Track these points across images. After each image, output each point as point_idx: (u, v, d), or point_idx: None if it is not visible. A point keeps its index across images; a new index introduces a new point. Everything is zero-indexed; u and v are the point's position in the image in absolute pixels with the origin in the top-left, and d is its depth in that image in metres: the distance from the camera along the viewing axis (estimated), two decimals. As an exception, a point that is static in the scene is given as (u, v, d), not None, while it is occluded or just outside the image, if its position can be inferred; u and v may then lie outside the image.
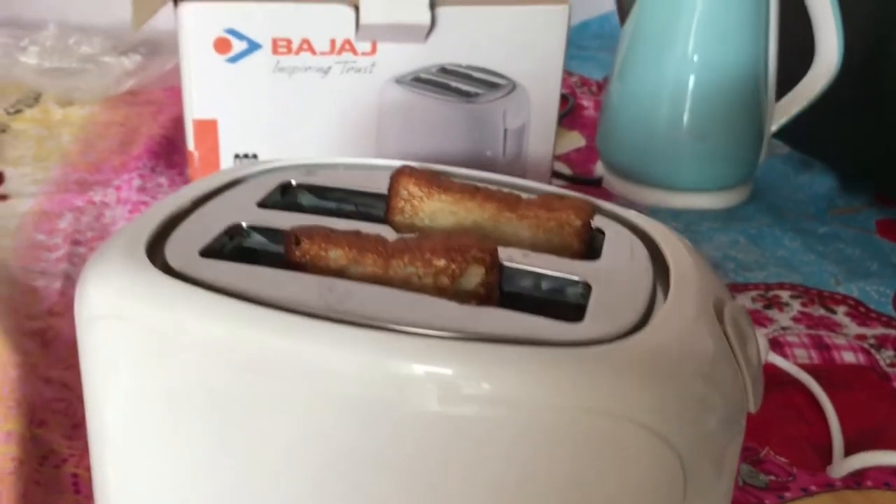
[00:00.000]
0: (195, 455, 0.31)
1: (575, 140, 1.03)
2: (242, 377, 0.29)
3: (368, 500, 0.29)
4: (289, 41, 0.67)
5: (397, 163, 0.41)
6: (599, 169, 0.92)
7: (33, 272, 0.70)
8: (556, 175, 0.88)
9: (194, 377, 0.30)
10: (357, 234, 0.33)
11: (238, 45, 0.67)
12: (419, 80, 0.71)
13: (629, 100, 0.84)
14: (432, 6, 0.68)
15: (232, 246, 0.35)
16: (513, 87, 0.72)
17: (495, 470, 0.27)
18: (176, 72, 1.14)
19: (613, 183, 0.88)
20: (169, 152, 0.92)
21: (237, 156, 0.70)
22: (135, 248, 0.32)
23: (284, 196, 0.39)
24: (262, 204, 0.37)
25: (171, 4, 0.67)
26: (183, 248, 0.33)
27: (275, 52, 0.67)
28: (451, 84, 0.72)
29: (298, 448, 0.29)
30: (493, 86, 0.72)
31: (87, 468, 0.48)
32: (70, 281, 0.68)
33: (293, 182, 0.39)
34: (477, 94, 0.72)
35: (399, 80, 0.70)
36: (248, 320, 0.29)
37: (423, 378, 0.27)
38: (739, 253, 0.76)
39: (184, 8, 0.65)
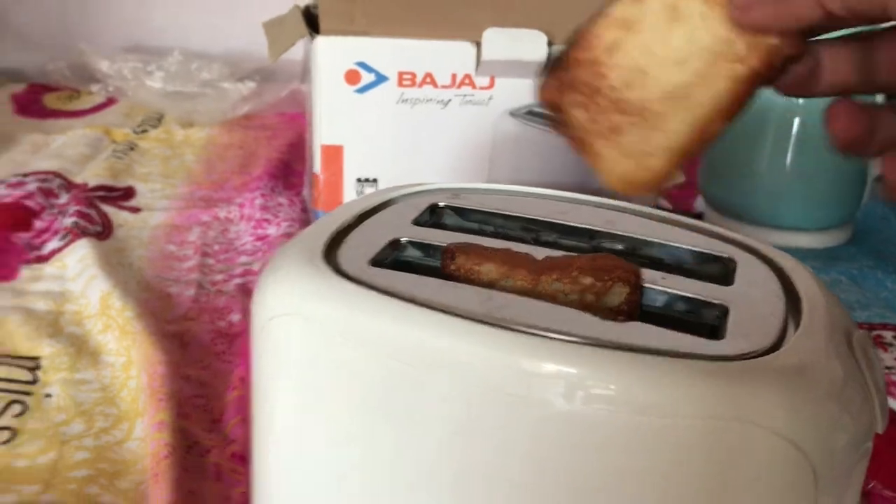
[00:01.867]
0: (357, 444, 0.34)
1: (676, 176, 1.05)
2: (408, 372, 0.32)
3: (512, 491, 0.32)
4: (413, 74, 0.72)
5: (533, 189, 0.45)
6: (700, 205, 0.93)
7: (167, 280, 0.75)
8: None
9: (365, 372, 0.33)
10: (508, 251, 0.37)
11: (367, 77, 0.72)
12: (532, 114, 0.75)
13: (732, 137, 0.86)
14: (549, 44, 0.71)
15: (392, 258, 0.38)
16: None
17: (644, 474, 0.30)
18: (289, 99, 1.21)
19: (714, 219, 0.90)
20: (286, 174, 0.97)
21: (359, 180, 0.75)
22: (313, 255, 0.36)
23: (433, 216, 0.43)
24: (416, 222, 0.41)
25: (306, 37, 0.72)
26: (353, 257, 0.37)
27: (400, 84, 0.72)
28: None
29: (453, 440, 0.32)
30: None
31: (228, 458, 0.53)
32: (202, 289, 0.73)
33: (440, 203, 0.43)
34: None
35: (513, 113, 0.74)
36: (418, 321, 0.32)
37: (579, 382, 0.30)
38: (842, 293, 0.77)
39: (320, 41, 0.71)
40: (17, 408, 0.57)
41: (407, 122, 0.73)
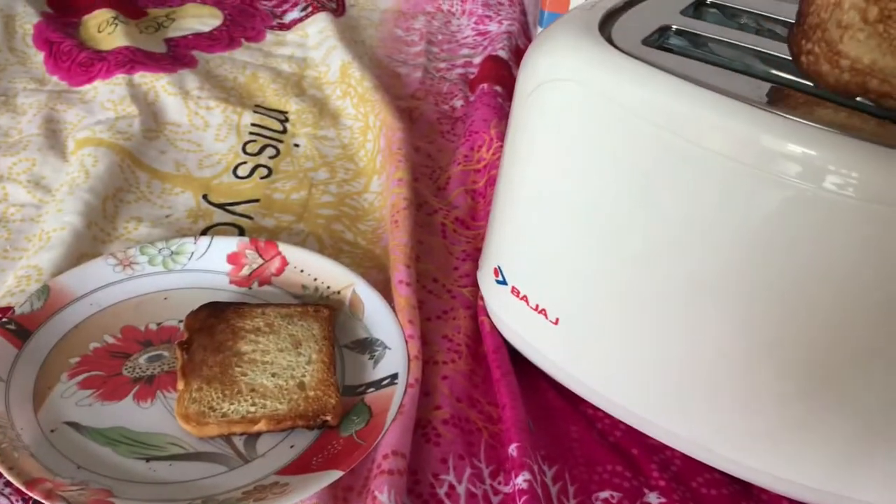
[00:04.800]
0: (608, 204, 0.38)
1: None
2: (675, 144, 0.35)
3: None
4: None
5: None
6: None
7: (396, 60, 0.80)
8: None
9: (634, 140, 0.36)
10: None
11: None
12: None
13: None
14: None
15: (661, 41, 0.41)
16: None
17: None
18: None
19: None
20: (507, -26, 0.98)
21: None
22: (589, 29, 0.39)
23: (696, 10, 0.44)
24: (683, 12, 0.42)
25: None
26: (625, 35, 0.39)
27: None
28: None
29: (700, 213, 0.36)
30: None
31: (452, 221, 0.59)
32: (427, 73, 0.78)
33: (707, -1, 0.44)
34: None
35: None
36: (693, 96, 0.35)
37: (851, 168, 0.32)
38: None
39: None
40: (271, 150, 0.65)
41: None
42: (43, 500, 0.36)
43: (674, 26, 0.41)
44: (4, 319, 0.45)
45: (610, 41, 0.39)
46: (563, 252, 0.41)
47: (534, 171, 0.42)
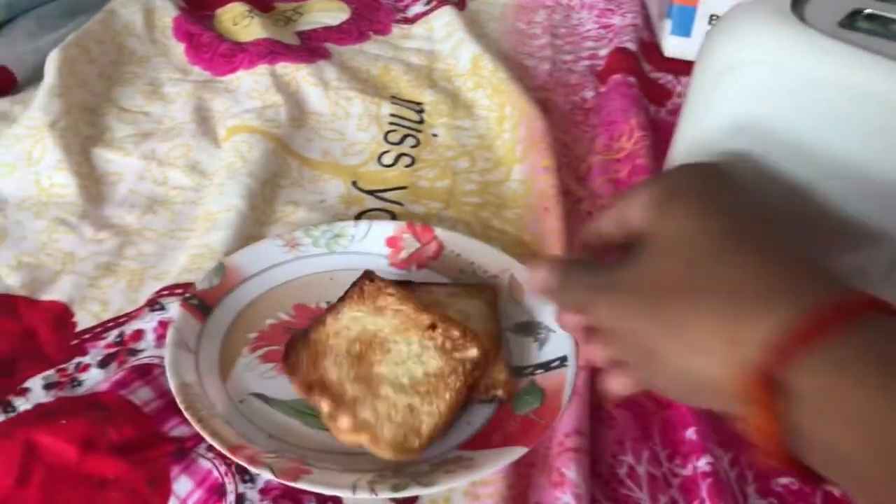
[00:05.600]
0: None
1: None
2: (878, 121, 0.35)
3: None
4: None
5: None
6: None
7: (521, 53, 0.81)
8: None
9: (837, 127, 0.36)
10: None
11: None
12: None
13: None
14: None
15: (854, 24, 0.40)
16: None
17: None
18: None
19: None
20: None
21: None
22: (781, 11, 0.39)
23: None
24: (873, -3, 0.42)
25: None
26: (819, 18, 0.39)
27: None
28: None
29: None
30: None
31: (599, 209, 0.59)
32: (555, 65, 0.78)
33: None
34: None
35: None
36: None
37: None
38: None
39: None
40: (411, 140, 0.66)
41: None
42: (247, 465, 0.38)
43: (866, 10, 0.40)
44: (188, 295, 0.47)
45: (804, 22, 0.39)
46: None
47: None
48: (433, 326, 0.42)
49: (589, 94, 0.73)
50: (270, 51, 0.73)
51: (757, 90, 0.39)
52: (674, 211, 0.32)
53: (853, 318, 0.26)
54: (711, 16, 0.76)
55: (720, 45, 0.41)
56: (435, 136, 0.67)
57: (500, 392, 0.43)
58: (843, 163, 0.36)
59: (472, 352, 0.41)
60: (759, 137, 0.39)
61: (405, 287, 0.48)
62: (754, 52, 0.39)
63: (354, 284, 0.45)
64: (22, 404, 0.43)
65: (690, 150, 0.44)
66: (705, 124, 0.42)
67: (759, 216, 0.31)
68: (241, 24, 0.79)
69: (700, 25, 0.76)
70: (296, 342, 0.43)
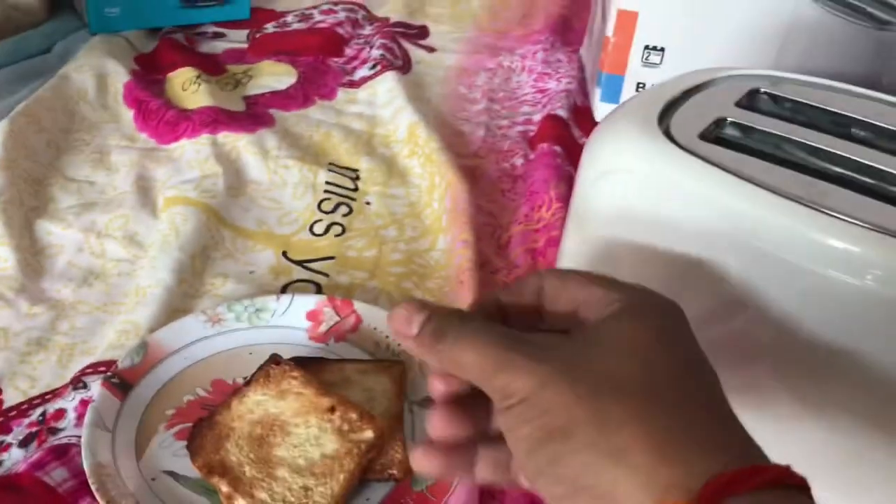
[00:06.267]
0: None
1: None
2: (734, 236, 0.38)
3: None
4: (722, -51, 0.73)
5: (851, 87, 0.48)
6: None
7: (459, 119, 0.84)
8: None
9: (692, 233, 0.39)
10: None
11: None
12: (836, 0, 0.74)
13: None
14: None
15: (716, 135, 0.44)
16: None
17: None
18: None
19: None
20: (565, 30, 1.02)
21: (647, 47, 0.78)
22: (648, 122, 0.43)
23: (751, 99, 0.47)
24: (738, 104, 0.45)
25: None
26: (682, 129, 0.43)
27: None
28: (867, 8, 0.74)
29: (752, 304, 0.38)
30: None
31: (513, 280, 0.62)
32: (489, 131, 0.82)
33: (761, 89, 0.47)
34: (890, 23, 0.74)
35: (817, -1, 0.74)
36: (747, 196, 0.38)
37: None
38: None
39: None
40: (344, 208, 0.70)
41: (706, -5, 0.75)
42: (149, 546, 0.40)
43: (728, 118, 0.44)
44: (109, 374, 0.50)
45: (668, 134, 0.42)
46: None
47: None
48: (332, 409, 0.45)
49: (519, 161, 0.77)
50: (214, 119, 0.76)
51: (625, 196, 0.42)
52: (638, 323, 0.31)
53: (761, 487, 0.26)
54: (638, 84, 0.80)
55: (597, 150, 0.44)
56: (368, 203, 0.70)
57: (394, 471, 0.46)
58: (697, 274, 0.40)
59: (368, 434, 0.45)
60: (631, 237, 0.42)
61: (315, 364, 0.51)
62: (620, 161, 0.42)
63: (261, 368, 0.48)
64: (-54, 482, 0.45)
65: (579, 249, 0.47)
66: (588, 221, 0.45)
67: (706, 365, 0.31)
68: (189, 90, 0.82)
69: (628, 93, 0.80)
70: (202, 424, 0.46)
